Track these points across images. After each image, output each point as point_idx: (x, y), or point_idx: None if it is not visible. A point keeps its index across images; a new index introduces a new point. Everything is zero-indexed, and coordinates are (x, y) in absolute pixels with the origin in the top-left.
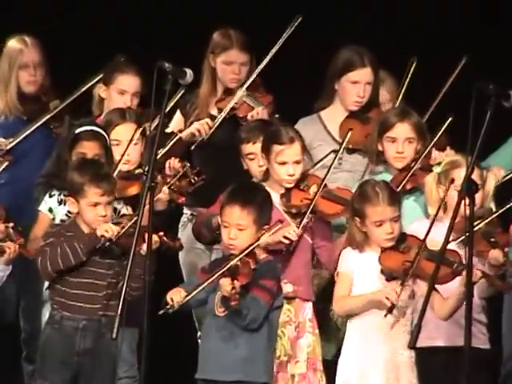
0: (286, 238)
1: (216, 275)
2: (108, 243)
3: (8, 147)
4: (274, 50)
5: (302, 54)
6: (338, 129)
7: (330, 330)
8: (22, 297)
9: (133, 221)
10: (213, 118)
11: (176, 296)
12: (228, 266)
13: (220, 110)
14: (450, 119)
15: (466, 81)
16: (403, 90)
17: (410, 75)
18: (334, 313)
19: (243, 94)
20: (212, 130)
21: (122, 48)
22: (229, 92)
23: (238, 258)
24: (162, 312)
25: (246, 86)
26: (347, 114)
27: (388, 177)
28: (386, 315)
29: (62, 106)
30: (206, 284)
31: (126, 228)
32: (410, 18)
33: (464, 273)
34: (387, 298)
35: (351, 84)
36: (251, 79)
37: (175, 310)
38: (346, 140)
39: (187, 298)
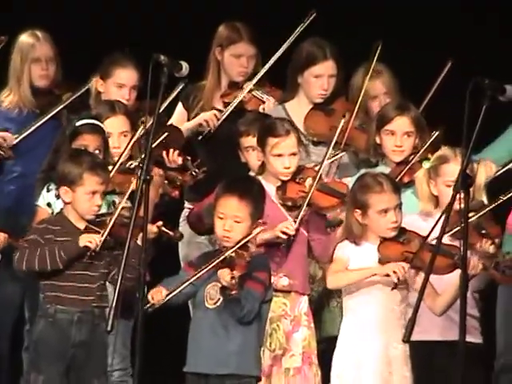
0: (283, 232)
1: (209, 267)
2: (92, 253)
3: (15, 142)
4: (285, 46)
5: None
6: (303, 121)
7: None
8: (28, 291)
9: (117, 212)
10: (219, 111)
11: (157, 295)
12: (223, 257)
13: (225, 104)
14: (437, 133)
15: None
16: (369, 73)
17: (375, 58)
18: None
19: (252, 88)
20: (219, 122)
21: (120, 41)
22: (234, 86)
23: (232, 250)
24: (144, 309)
25: (255, 80)
26: (311, 106)
27: (385, 170)
28: (392, 289)
29: (73, 97)
30: (194, 278)
31: (112, 222)
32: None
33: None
34: (394, 272)
35: (314, 78)
36: (261, 73)
37: (157, 308)
38: (338, 131)
39: (169, 297)
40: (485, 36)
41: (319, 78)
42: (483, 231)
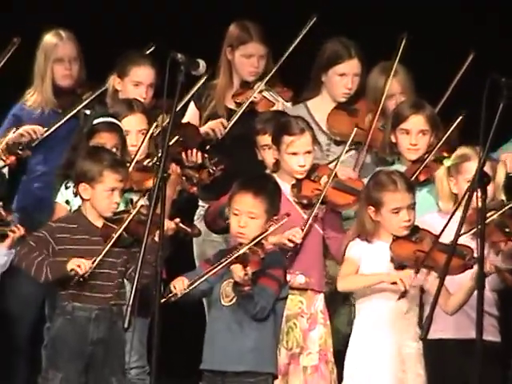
0: (290, 240)
1: (224, 263)
2: (80, 279)
3: (40, 138)
4: (290, 49)
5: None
6: (326, 120)
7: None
8: (49, 289)
9: (135, 210)
10: (230, 112)
11: (179, 284)
12: (237, 254)
13: (237, 104)
14: (462, 116)
15: (477, 73)
16: (394, 67)
17: (400, 52)
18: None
19: (263, 89)
20: (227, 130)
21: (138, 41)
22: (246, 85)
23: (247, 247)
24: (163, 300)
25: (265, 80)
26: (334, 104)
27: (401, 168)
28: (398, 299)
29: (93, 97)
30: (212, 272)
31: (124, 225)
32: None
33: (475, 267)
34: (401, 281)
35: (339, 76)
36: (270, 74)
37: (178, 299)
38: (352, 136)
39: (191, 287)
40: (485, 36)
41: (344, 76)
42: (507, 229)
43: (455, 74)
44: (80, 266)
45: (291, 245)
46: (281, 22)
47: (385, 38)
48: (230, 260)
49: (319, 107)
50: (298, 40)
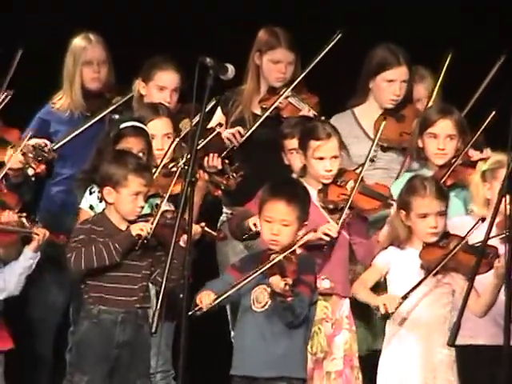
0: (326, 234)
1: (258, 272)
2: (144, 241)
3: (55, 147)
4: (318, 58)
5: (346, 55)
6: (373, 126)
7: (363, 327)
8: (74, 294)
9: (160, 211)
10: (256, 117)
11: (205, 299)
12: (273, 263)
13: (264, 110)
14: (494, 113)
15: (506, 77)
16: (439, 82)
17: (446, 67)
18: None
19: (289, 95)
20: (247, 136)
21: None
22: (273, 91)
23: (283, 255)
24: (190, 313)
25: (291, 87)
26: (381, 111)
27: (428, 173)
28: (379, 319)
29: (121, 102)
30: (245, 282)
31: (156, 220)
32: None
33: (497, 264)
34: (384, 305)
35: (387, 82)
36: (297, 81)
37: (204, 313)
38: (380, 131)
39: (217, 301)
40: (485, 36)
41: (392, 83)
42: None
43: (483, 78)
44: (142, 228)
45: (327, 238)
46: (308, 29)
47: (384, 37)
48: (264, 269)
49: (366, 114)
50: (325, 51)
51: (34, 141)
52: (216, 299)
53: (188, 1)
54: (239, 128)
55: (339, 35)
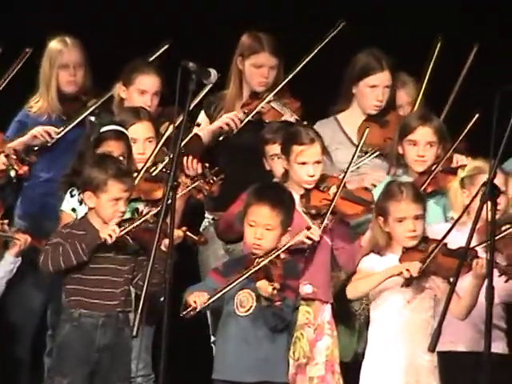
0: (308, 238)
1: (245, 276)
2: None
3: (55, 138)
4: (307, 59)
5: (332, 60)
6: (356, 132)
7: (347, 333)
8: (52, 297)
9: (143, 219)
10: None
11: (200, 299)
12: (258, 267)
13: (246, 114)
14: (477, 116)
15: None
16: (428, 72)
17: (435, 56)
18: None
19: (271, 99)
20: (240, 126)
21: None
22: (255, 95)
23: (268, 259)
24: (184, 313)
25: (274, 92)
26: (364, 117)
27: (408, 180)
28: (402, 286)
29: (97, 105)
30: (233, 285)
31: (134, 225)
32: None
33: (475, 265)
34: (407, 270)
35: (370, 88)
36: (280, 86)
37: (196, 313)
38: (364, 137)
39: (211, 301)
40: (485, 36)
41: (374, 88)
42: None
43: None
44: (111, 234)
45: (309, 242)
46: (295, 34)
47: (384, 38)
48: (250, 273)
49: (349, 120)
50: (310, 56)
51: (17, 142)
52: (210, 299)
53: (188, 1)
54: (235, 113)
55: (342, 24)
